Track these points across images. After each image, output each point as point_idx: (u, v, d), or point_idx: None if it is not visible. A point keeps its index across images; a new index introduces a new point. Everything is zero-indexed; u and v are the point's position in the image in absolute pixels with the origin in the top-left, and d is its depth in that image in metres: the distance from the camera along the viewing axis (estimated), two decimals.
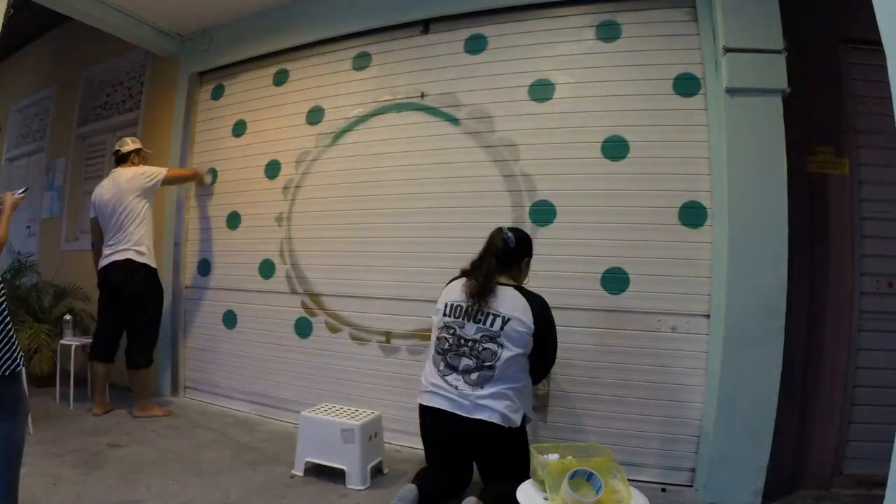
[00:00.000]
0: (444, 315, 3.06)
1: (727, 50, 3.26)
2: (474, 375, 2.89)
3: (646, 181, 3.59)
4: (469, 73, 4.09)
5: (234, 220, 5.04)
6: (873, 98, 3.44)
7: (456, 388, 2.91)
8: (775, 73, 3.22)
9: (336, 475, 3.37)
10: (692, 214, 3.50)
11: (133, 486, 3.16)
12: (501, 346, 2.88)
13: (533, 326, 2.90)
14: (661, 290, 3.53)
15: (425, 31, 4.27)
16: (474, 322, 2.94)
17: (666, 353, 3.50)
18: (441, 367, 3.00)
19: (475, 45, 4.09)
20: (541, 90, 3.88)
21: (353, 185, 4.40)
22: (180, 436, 4.10)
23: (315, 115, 4.64)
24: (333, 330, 4.43)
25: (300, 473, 3.46)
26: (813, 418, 3.44)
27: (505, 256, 3.05)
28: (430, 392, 3.00)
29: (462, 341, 2.96)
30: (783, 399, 3.16)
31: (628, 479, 2.41)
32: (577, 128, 3.76)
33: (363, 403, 4.17)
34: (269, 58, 4.97)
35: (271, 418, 4.58)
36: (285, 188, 4.74)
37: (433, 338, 3.12)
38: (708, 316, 3.43)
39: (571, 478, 2.26)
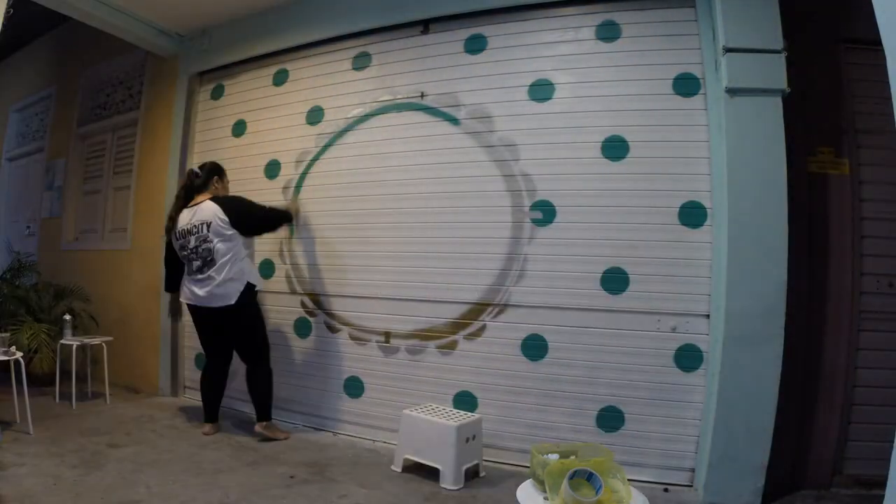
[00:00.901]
0: (176, 240, 4.12)
1: (727, 50, 3.26)
2: (203, 271, 4.01)
3: (646, 181, 3.59)
4: (469, 73, 4.09)
5: None
6: (873, 98, 3.44)
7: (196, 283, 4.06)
8: (775, 73, 3.22)
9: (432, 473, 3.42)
10: (692, 214, 3.50)
11: (133, 486, 3.16)
12: (211, 241, 3.96)
13: (227, 219, 3.96)
14: (661, 290, 3.53)
15: (425, 31, 4.27)
16: (190, 235, 4.02)
17: (666, 353, 3.50)
18: (187, 274, 4.15)
19: (475, 45, 4.09)
20: (541, 90, 3.87)
21: (352, 186, 4.40)
22: (180, 436, 4.10)
23: (315, 116, 4.64)
24: (333, 330, 4.43)
25: (398, 470, 3.59)
26: (813, 418, 3.44)
27: (197, 184, 4.18)
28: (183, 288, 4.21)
29: (191, 251, 4.03)
30: (783, 399, 3.16)
31: (628, 479, 2.41)
32: (577, 128, 3.75)
33: (363, 403, 4.20)
34: (269, 58, 4.97)
35: (275, 419, 4.57)
36: (285, 188, 4.73)
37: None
38: (708, 316, 3.43)
39: (571, 478, 2.26)
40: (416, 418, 3.59)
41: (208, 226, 3.96)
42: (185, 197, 4.18)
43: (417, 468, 3.54)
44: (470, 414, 3.65)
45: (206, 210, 4.00)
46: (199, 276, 4.03)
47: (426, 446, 3.50)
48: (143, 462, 3.53)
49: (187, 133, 5.38)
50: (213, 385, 4.30)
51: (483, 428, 3.62)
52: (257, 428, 4.08)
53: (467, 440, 3.46)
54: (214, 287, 3.96)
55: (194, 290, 4.06)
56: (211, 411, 4.27)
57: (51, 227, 6.74)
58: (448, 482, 3.35)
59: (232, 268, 3.96)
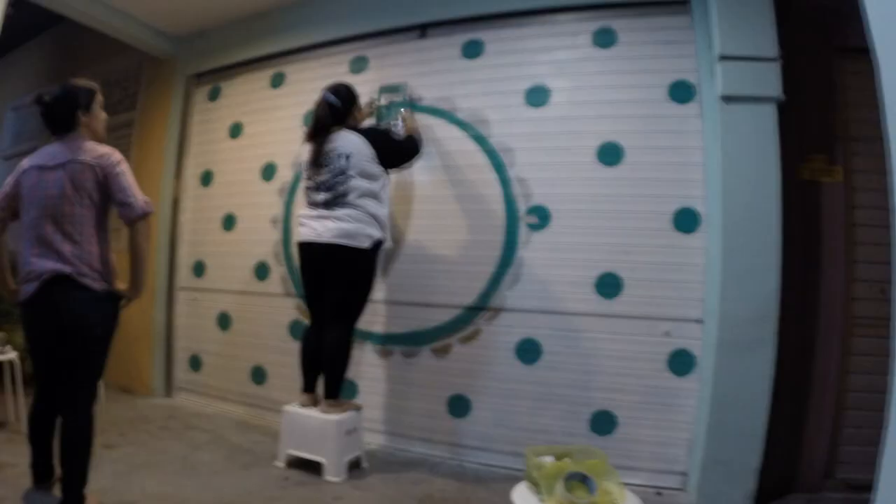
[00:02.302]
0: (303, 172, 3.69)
1: (722, 57, 3.30)
2: (330, 206, 3.51)
3: (640, 187, 3.62)
4: (466, 78, 4.11)
5: (229, 222, 5.04)
6: (866, 106, 3.46)
7: (318, 219, 3.53)
8: (770, 80, 3.26)
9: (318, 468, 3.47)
10: (686, 220, 3.53)
11: (127, 487, 3.15)
12: (351, 177, 3.47)
13: (373, 150, 3.51)
14: (655, 294, 3.55)
15: (423, 35, 4.29)
16: (325, 167, 3.53)
17: (659, 358, 3.52)
18: (306, 206, 3.65)
19: (472, 51, 4.11)
20: (537, 95, 3.90)
21: None
22: (174, 437, 4.09)
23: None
24: None
25: (282, 465, 3.59)
26: (804, 423, 3.47)
27: (334, 119, 3.61)
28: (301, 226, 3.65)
29: (320, 184, 3.55)
30: (775, 403, 3.19)
31: (622, 483, 2.43)
32: (573, 133, 3.78)
33: None
34: (267, 60, 4.98)
35: (265, 420, 4.58)
36: (281, 190, 4.74)
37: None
38: (701, 321, 3.45)
39: (566, 480, 2.28)
40: (297, 414, 3.63)
41: (348, 157, 3.50)
42: (326, 127, 3.60)
43: (301, 463, 3.57)
44: (350, 405, 3.70)
45: (347, 140, 3.54)
46: (324, 212, 3.53)
47: (308, 441, 3.55)
48: (138, 463, 3.53)
49: (184, 135, 5.38)
50: (311, 350, 3.72)
51: (362, 418, 3.72)
52: (322, 407, 3.60)
53: (348, 433, 3.53)
54: (340, 223, 3.46)
55: (313, 226, 3.55)
56: (308, 380, 3.75)
57: None
58: (331, 474, 3.42)
59: (368, 209, 3.51)
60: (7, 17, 3.60)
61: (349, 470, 3.53)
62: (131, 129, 5.81)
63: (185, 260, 5.32)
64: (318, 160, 3.55)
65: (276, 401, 4.55)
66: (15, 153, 7.65)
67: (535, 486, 2.47)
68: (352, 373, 4.23)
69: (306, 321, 4.45)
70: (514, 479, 2.95)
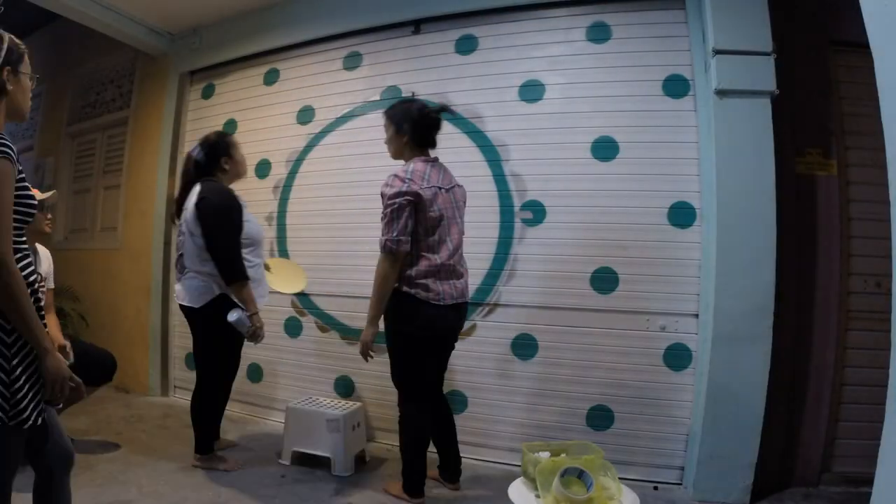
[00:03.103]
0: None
1: (716, 52, 3.29)
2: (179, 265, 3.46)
3: (635, 181, 3.61)
4: (460, 74, 4.10)
5: None
6: (861, 100, 3.48)
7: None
8: (764, 74, 3.25)
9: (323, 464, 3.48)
10: (681, 215, 3.53)
11: (124, 486, 3.15)
12: (184, 234, 3.37)
13: (195, 217, 3.29)
14: (651, 289, 3.55)
15: (416, 31, 4.27)
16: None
17: (655, 353, 3.53)
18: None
19: (466, 46, 4.10)
20: (531, 91, 3.89)
21: (342, 185, 4.40)
22: (171, 436, 4.09)
23: (305, 115, 4.64)
24: (323, 330, 4.43)
25: (287, 462, 3.60)
26: (801, 417, 3.47)
27: (198, 170, 3.48)
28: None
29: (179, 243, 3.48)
30: (772, 398, 3.19)
31: (618, 478, 2.43)
32: (567, 128, 3.77)
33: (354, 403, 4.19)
34: (260, 57, 4.96)
35: (262, 418, 4.58)
36: (275, 188, 4.73)
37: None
38: (697, 315, 3.45)
39: (562, 476, 2.28)
40: (302, 410, 3.67)
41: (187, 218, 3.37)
42: (188, 183, 3.51)
43: (306, 459, 3.60)
44: (352, 402, 3.80)
45: (192, 195, 3.39)
46: (178, 273, 3.52)
47: (314, 437, 3.56)
48: (134, 462, 3.53)
49: (177, 132, 5.36)
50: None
51: (365, 414, 3.86)
52: (192, 462, 3.55)
53: (353, 428, 3.59)
54: (178, 285, 3.49)
55: (176, 288, 3.55)
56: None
57: None
58: (339, 470, 3.46)
59: (203, 270, 3.35)
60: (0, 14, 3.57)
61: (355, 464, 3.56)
62: (125, 126, 5.80)
63: None
64: (177, 216, 3.54)
65: (273, 398, 4.56)
66: None
67: (532, 482, 2.47)
68: (348, 370, 4.23)
69: (301, 319, 4.48)
70: (510, 475, 2.96)
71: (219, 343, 3.51)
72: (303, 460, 3.60)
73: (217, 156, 3.51)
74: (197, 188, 3.37)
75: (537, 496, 2.38)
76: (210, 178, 3.45)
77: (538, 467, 2.40)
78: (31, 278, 1.76)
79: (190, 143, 5.28)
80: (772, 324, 3.19)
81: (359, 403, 3.80)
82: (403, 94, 4.20)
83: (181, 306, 3.48)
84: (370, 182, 4.24)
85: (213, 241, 3.27)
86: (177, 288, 3.50)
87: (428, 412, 3.10)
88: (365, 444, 3.74)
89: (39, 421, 1.74)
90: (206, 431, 3.60)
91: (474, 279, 3.86)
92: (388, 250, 2.90)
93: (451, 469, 3.31)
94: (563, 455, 2.56)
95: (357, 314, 4.26)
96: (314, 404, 3.72)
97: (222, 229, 3.30)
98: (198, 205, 3.28)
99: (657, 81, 3.63)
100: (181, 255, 3.43)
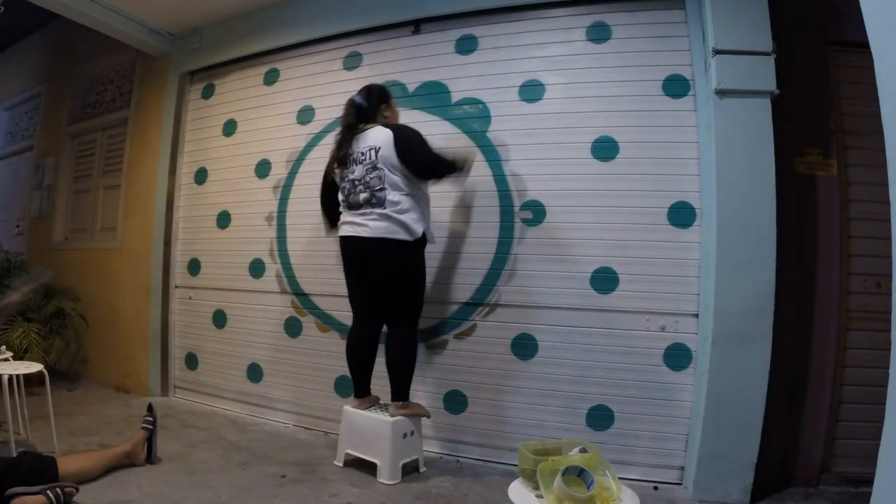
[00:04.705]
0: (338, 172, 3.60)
1: (717, 52, 3.29)
2: (372, 203, 3.40)
3: (635, 181, 3.61)
4: (460, 74, 4.10)
5: (224, 220, 5.02)
6: (861, 100, 3.48)
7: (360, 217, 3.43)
8: (764, 75, 3.25)
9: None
10: (681, 215, 3.53)
11: (124, 486, 3.15)
12: (383, 171, 3.36)
13: (394, 148, 3.35)
14: (651, 289, 3.55)
15: (416, 31, 4.27)
16: (356, 164, 3.46)
17: (655, 352, 3.53)
18: (346, 209, 3.55)
19: (466, 46, 4.10)
20: (531, 91, 3.89)
21: None
22: (170, 436, 4.08)
23: (306, 115, 4.64)
24: (323, 330, 4.43)
25: (340, 464, 3.61)
26: (801, 417, 3.47)
27: (361, 116, 3.56)
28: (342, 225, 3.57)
29: (354, 183, 3.46)
30: (772, 397, 3.19)
31: (618, 478, 2.44)
32: (567, 128, 3.77)
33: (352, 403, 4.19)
34: (260, 57, 4.96)
35: (262, 418, 4.57)
36: (275, 188, 4.73)
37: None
38: (697, 315, 3.45)
39: (563, 474, 2.29)
40: (354, 414, 3.59)
41: (377, 151, 3.38)
42: (349, 129, 3.55)
43: (359, 464, 3.55)
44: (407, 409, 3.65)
45: (375, 135, 3.44)
46: (364, 210, 3.42)
47: (364, 441, 3.52)
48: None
49: (177, 132, 5.35)
50: (357, 350, 3.65)
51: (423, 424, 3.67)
52: (391, 410, 3.50)
53: (405, 436, 3.47)
54: (379, 220, 3.37)
55: (354, 221, 3.46)
56: (359, 383, 3.67)
57: (40, 226, 6.70)
58: (384, 477, 3.38)
59: (405, 203, 3.37)
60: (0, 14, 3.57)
61: (404, 473, 3.46)
62: (125, 126, 5.80)
63: (180, 258, 5.30)
64: (353, 157, 3.49)
65: (273, 398, 4.56)
66: (9, 153, 7.64)
67: (529, 481, 2.48)
68: (348, 369, 4.23)
69: (301, 319, 4.48)
70: (510, 475, 2.96)
71: (419, 281, 3.56)
72: (356, 464, 3.58)
73: (379, 103, 3.62)
74: (375, 129, 3.47)
75: (538, 496, 2.38)
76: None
77: (539, 467, 2.40)
78: None
79: (190, 143, 5.31)
80: (772, 324, 3.19)
81: (426, 414, 3.64)
82: (403, 94, 4.20)
83: (367, 245, 3.38)
84: None
85: (427, 154, 3.42)
86: (362, 222, 3.40)
87: None
88: (419, 454, 3.60)
89: None
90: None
91: (474, 279, 3.88)
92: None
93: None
94: (571, 451, 2.59)
95: None
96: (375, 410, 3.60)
97: (426, 144, 3.45)
98: (395, 136, 3.38)
99: (657, 81, 3.63)
100: (373, 195, 3.38)
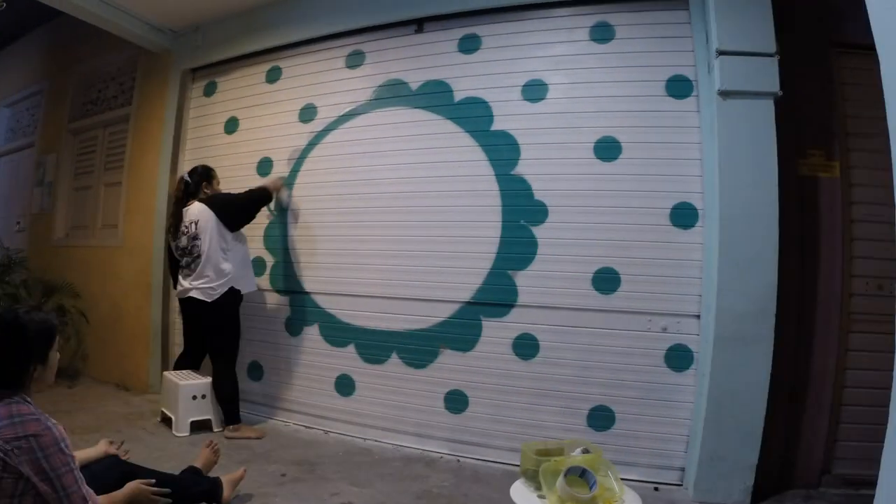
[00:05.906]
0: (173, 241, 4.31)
1: (720, 52, 3.28)
2: (192, 266, 4.20)
3: (638, 182, 3.61)
4: (463, 73, 4.09)
5: None
6: (863, 101, 3.47)
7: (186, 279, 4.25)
8: (767, 76, 3.25)
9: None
10: (683, 215, 3.52)
11: None
12: (200, 239, 4.12)
13: (213, 214, 4.13)
14: (652, 290, 3.55)
15: (419, 30, 4.27)
16: (183, 235, 4.20)
17: (656, 353, 3.52)
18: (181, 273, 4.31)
19: (469, 45, 4.09)
20: (534, 90, 3.88)
21: (344, 184, 4.39)
22: (171, 434, 4.08)
23: (308, 113, 4.63)
24: (324, 328, 4.42)
25: (157, 419, 4.36)
26: (802, 418, 3.47)
27: (187, 192, 4.30)
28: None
29: (182, 251, 4.24)
30: (773, 399, 3.19)
31: (619, 478, 2.44)
32: (570, 128, 3.77)
33: (355, 402, 4.19)
34: (262, 55, 4.96)
35: (262, 416, 4.57)
36: None
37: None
38: (698, 316, 3.45)
39: (566, 475, 2.28)
40: (166, 379, 4.35)
41: (196, 224, 4.12)
42: (180, 200, 4.29)
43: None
44: (203, 378, 4.29)
45: (194, 210, 4.17)
46: (187, 273, 4.23)
47: (170, 401, 4.24)
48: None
49: (179, 130, 5.35)
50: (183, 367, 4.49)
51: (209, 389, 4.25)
52: (225, 433, 4.12)
53: (194, 398, 4.15)
54: (197, 281, 4.14)
55: (182, 283, 4.26)
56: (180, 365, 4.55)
57: (41, 223, 6.70)
58: (177, 429, 4.10)
59: (221, 266, 4.12)
60: (1, 11, 3.57)
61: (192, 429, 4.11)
62: (127, 124, 5.79)
63: None
64: (181, 230, 4.22)
65: (273, 397, 4.56)
66: (10, 149, 7.63)
67: (531, 481, 2.48)
68: (349, 369, 4.23)
69: (301, 317, 4.48)
70: (511, 475, 2.96)
71: (235, 326, 4.31)
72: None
73: (201, 181, 4.33)
74: (195, 204, 4.21)
75: (540, 496, 2.38)
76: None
77: (542, 467, 2.40)
78: None
79: (191, 141, 5.31)
80: (773, 325, 3.18)
81: (207, 379, 4.27)
82: (405, 93, 4.20)
83: (191, 302, 4.20)
84: (372, 181, 4.26)
85: (232, 204, 4.25)
86: (187, 284, 4.22)
87: None
88: (210, 415, 4.23)
89: None
90: (238, 403, 4.29)
91: (475, 279, 3.88)
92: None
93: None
94: (574, 451, 2.58)
95: (358, 313, 4.27)
96: (179, 376, 4.29)
97: (234, 196, 4.33)
98: (210, 204, 4.18)
99: (660, 82, 3.63)
100: (193, 259, 4.18)
